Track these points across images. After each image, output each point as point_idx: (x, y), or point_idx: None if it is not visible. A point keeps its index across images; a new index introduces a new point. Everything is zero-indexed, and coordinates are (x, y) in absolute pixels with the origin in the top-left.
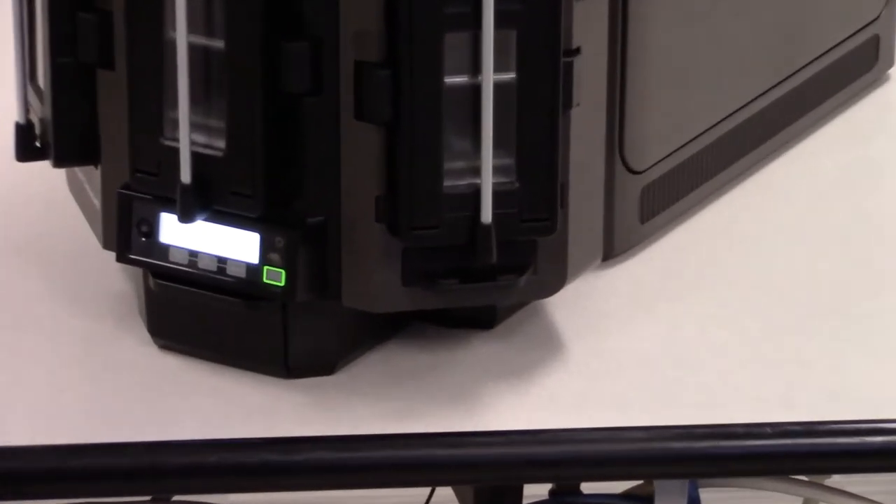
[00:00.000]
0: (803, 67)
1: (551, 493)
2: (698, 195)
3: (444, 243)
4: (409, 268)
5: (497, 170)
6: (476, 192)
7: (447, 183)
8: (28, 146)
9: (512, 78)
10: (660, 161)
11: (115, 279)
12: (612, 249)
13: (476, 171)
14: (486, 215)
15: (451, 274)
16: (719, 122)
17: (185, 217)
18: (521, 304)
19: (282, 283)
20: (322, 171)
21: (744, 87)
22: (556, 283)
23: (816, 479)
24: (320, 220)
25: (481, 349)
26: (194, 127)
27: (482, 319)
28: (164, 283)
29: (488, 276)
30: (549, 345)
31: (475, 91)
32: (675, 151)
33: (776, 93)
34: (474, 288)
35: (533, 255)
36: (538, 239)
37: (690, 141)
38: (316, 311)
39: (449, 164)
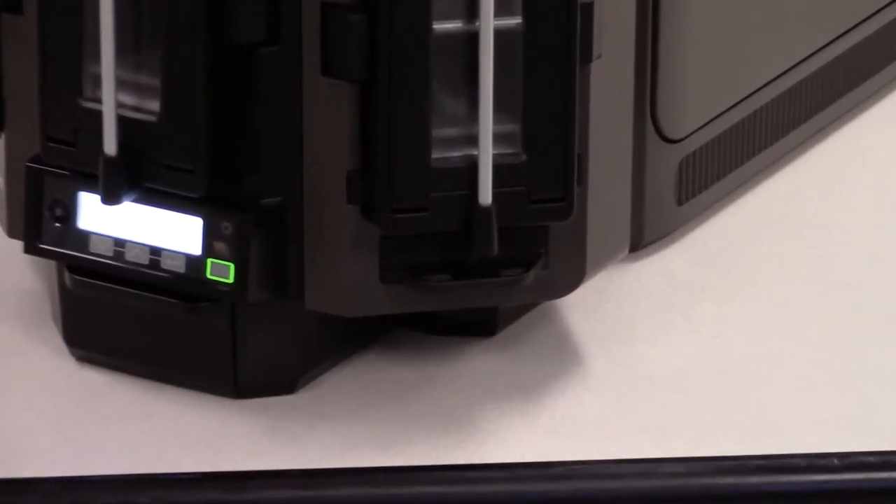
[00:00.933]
0: (875, 14)
1: None
2: (748, 170)
3: (433, 230)
4: (390, 261)
5: (499, 138)
6: (473, 167)
7: (436, 154)
8: None
9: (517, 24)
10: (701, 128)
11: (22, 275)
12: (642, 238)
13: (472, 141)
14: (486, 195)
15: (442, 269)
16: (773, 81)
17: (110, 197)
18: (528, 307)
19: (230, 280)
20: (280, 139)
21: (803, 37)
22: (571, 279)
23: None
24: (278, 202)
25: (479, 362)
26: (121, 85)
27: (481, 325)
28: (84, 279)
29: (488, 272)
30: (562, 356)
31: (471, 40)
32: (719, 116)
33: (842, 45)
34: (471, 286)
35: (543, 246)
36: (550, 225)
37: (738, 103)
38: (272, 316)
39: (439, 131)
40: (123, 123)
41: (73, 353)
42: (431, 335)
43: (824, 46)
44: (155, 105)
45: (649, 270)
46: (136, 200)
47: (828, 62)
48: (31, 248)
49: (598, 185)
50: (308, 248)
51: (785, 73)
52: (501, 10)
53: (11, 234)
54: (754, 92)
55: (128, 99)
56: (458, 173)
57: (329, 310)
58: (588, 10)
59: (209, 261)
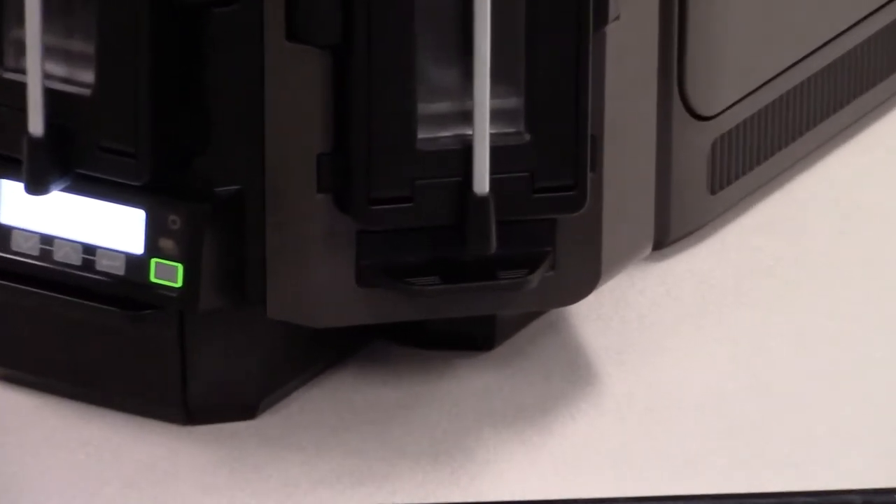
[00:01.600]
0: None
1: None
2: (792, 153)
3: (420, 224)
4: (368, 261)
5: (497, 115)
6: (466, 149)
7: (423, 134)
8: None
9: None
10: (737, 102)
11: None
12: (668, 233)
13: (466, 118)
14: (482, 183)
15: (430, 270)
16: (821, 48)
17: (36, 185)
18: (532, 316)
19: (178, 284)
20: (238, 116)
21: None
22: (584, 283)
23: None
24: (235, 190)
25: (475, 380)
26: (49, 52)
27: (476, 338)
28: (5, 283)
29: (485, 274)
30: (573, 375)
31: None
32: (758, 89)
33: None
34: (464, 291)
35: (550, 243)
36: (558, 218)
37: (780, 74)
38: (229, 326)
39: (426, 107)
40: (52, 98)
41: None
42: (418, 349)
43: (881, 7)
44: (89, 76)
45: (676, 271)
46: (66, 189)
47: (884, 26)
48: None
49: (616, 170)
50: (271, 246)
51: (835, 38)
52: None
53: None
54: (800, 60)
55: (57, 69)
56: (450, 157)
57: (296, 319)
58: None
59: (153, 261)
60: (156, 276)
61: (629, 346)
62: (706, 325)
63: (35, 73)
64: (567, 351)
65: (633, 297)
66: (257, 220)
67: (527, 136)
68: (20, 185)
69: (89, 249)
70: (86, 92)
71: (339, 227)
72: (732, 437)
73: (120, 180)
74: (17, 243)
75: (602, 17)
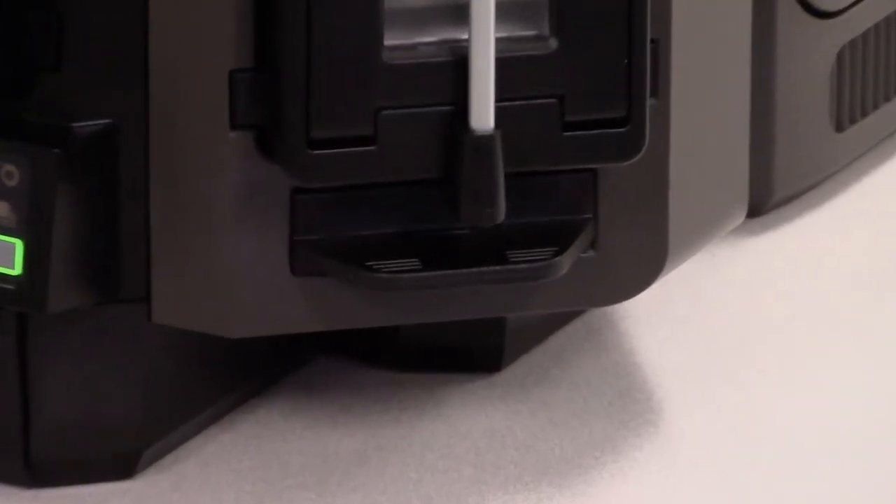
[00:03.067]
0: None
1: None
2: None
3: (386, 179)
4: (307, 236)
5: (508, 9)
6: (459, 63)
7: (393, 40)
8: None
9: None
10: None
11: None
12: (770, 194)
13: (458, 14)
14: (483, 115)
15: (403, 249)
16: None
17: None
18: (559, 321)
19: (16, 272)
20: (105, 15)
21: None
22: (641, 270)
23: None
24: (103, 128)
25: (471, 421)
26: None
27: (475, 355)
28: None
29: (489, 256)
30: (618, 411)
31: None
32: None
33: None
34: (456, 282)
35: (589, 208)
36: (600, 170)
37: None
38: (94, 337)
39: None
40: None
41: None
42: (387, 372)
43: None
44: None
45: (781, 250)
46: None
47: None
48: None
49: (691, 98)
50: (158, 214)
51: None
52: None
53: None
54: None
55: None
56: (433, 73)
57: (196, 326)
58: None
59: None
60: None
61: (687, 363)
62: (823, 334)
63: None
64: (609, 375)
65: (716, 291)
66: (137, 175)
67: (553, 43)
68: None
69: None
70: None
71: (262, 183)
72: (827, 494)
73: None
74: None
75: None
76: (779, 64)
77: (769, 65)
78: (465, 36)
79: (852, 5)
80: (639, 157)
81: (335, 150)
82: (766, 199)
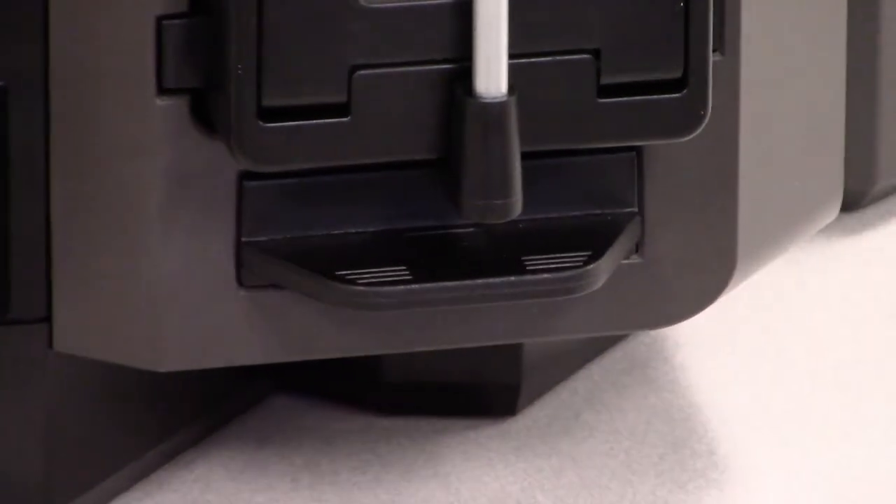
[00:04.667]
0: None
1: None
2: None
3: (364, 160)
4: (259, 236)
5: None
6: (458, 6)
7: None
8: None
9: None
10: None
11: None
12: (873, 181)
13: None
14: (493, 76)
15: (387, 256)
16: None
17: None
18: (591, 350)
19: None
20: None
21: None
22: (704, 282)
23: None
24: None
25: (478, 483)
26: None
27: (483, 395)
28: None
29: (501, 264)
30: (668, 468)
31: None
32: None
33: None
34: (459, 297)
35: (633, 200)
36: (646, 148)
37: None
38: None
39: None
40: None
41: None
42: (366, 416)
43: None
44: None
45: (884, 253)
46: None
47: None
48: None
49: (770, 55)
50: (59, 210)
51: None
52: None
53: None
54: None
55: None
56: (427, 22)
57: (111, 355)
58: None
59: None
60: None
61: (786, 411)
62: None
63: None
64: (660, 421)
65: (801, 310)
66: (32, 155)
67: None
68: None
69: None
70: None
71: (199, 166)
72: None
73: None
74: None
75: None
76: (883, 31)
77: (871, 30)
78: None
79: None
80: (698, 131)
81: (295, 122)
82: (866, 190)
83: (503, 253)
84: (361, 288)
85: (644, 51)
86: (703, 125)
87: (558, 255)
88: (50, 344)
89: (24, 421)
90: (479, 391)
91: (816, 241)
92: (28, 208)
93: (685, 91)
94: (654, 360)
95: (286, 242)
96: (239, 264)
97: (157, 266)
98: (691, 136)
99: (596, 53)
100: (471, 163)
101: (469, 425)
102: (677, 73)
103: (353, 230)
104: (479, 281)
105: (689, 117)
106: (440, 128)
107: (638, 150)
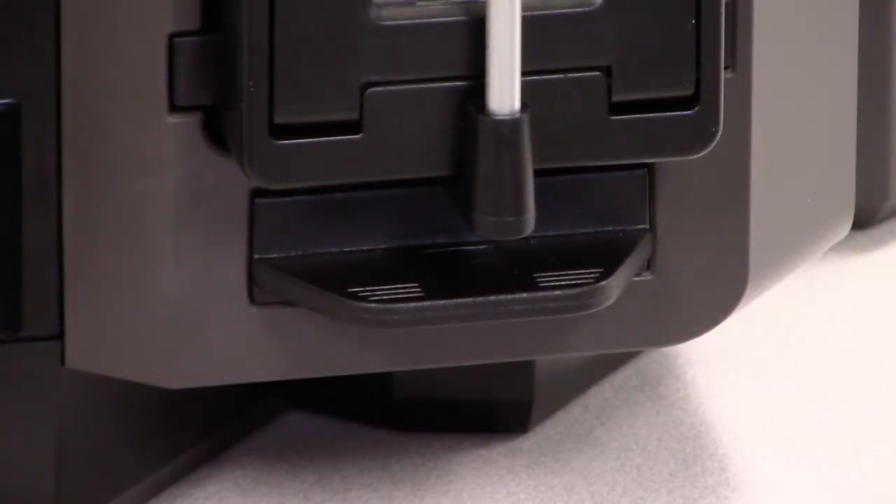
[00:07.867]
0: None
1: None
2: None
3: (376, 177)
4: (271, 254)
5: None
6: (473, 25)
7: None
8: None
9: None
10: None
11: None
12: (885, 197)
13: None
14: (506, 94)
15: (399, 272)
16: None
17: None
18: (604, 367)
19: None
20: None
21: None
22: (716, 298)
23: None
24: (3, 110)
25: (492, 496)
26: None
27: (494, 413)
28: None
29: (513, 281)
30: (680, 485)
31: None
32: None
33: None
34: (470, 314)
35: (644, 217)
36: (657, 166)
37: None
38: None
39: None
40: None
41: None
42: (380, 431)
43: None
44: None
45: (894, 269)
46: None
47: None
48: None
49: (781, 71)
50: (72, 227)
51: None
52: None
53: None
54: None
55: None
56: (439, 39)
57: (123, 372)
58: None
59: None
60: None
61: (799, 428)
62: None
63: None
64: (671, 438)
65: (813, 327)
66: (45, 173)
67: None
68: None
69: None
70: None
71: (211, 184)
72: None
73: None
74: None
75: None
76: (894, 47)
77: (883, 47)
78: None
79: None
80: (710, 148)
81: (307, 140)
82: (878, 207)
83: (515, 270)
84: (373, 305)
85: (656, 68)
86: (715, 142)
87: (570, 271)
88: (62, 361)
89: (35, 438)
90: (490, 408)
91: (828, 257)
92: (40, 225)
93: (697, 108)
94: (665, 377)
95: (298, 259)
96: (251, 281)
97: (169, 283)
98: (703, 153)
99: (608, 71)
100: (483, 180)
101: (481, 442)
102: (689, 91)
103: (365, 247)
104: (492, 298)
105: (700, 134)
106: (452, 145)
107: (649, 167)
